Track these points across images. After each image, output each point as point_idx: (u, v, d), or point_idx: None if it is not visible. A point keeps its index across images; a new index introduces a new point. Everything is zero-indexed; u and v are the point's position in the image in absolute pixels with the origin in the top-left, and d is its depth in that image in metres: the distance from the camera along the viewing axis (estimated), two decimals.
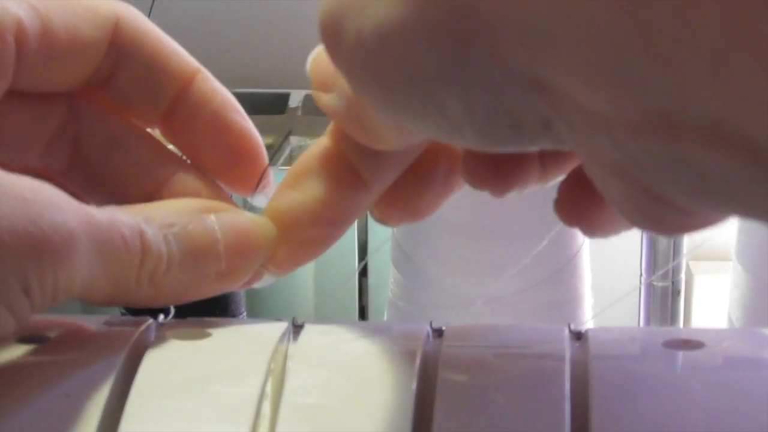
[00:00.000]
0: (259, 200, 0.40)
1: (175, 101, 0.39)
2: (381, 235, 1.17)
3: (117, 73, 0.39)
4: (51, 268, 0.32)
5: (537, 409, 0.32)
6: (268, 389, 0.33)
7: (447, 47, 0.25)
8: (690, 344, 0.34)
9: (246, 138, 0.40)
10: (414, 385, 0.33)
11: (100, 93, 0.39)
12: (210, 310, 0.62)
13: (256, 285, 0.39)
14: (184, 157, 0.40)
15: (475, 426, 0.31)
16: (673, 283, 1.04)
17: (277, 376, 0.34)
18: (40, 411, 0.32)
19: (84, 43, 0.37)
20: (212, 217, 0.37)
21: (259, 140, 0.40)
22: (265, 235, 0.37)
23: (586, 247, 0.86)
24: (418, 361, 0.34)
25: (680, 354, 0.34)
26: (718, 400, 0.32)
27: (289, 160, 1.09)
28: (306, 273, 1.10)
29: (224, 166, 0.40)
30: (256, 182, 0.40)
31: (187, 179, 0.39)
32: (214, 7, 1.35)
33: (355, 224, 1.06)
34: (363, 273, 1.12)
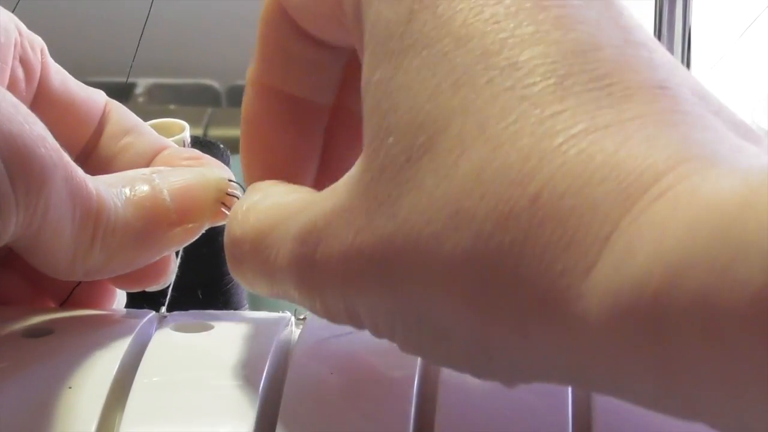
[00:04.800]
0: None
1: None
2: None
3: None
4: (38, 181, 0.32)
5: (539, 407, 0.32)
6: (271, 382, 0.33)
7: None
8: None
9: None
10: (416, 379, 0.33)
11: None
12: (212, 303, 0.62)
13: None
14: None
15: (477, 424, 0.31)
16: None
17: (280, 369, 0.34)
18: (43, 403, 0.32)
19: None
20: (153, 174, 0.37)
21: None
22: (215, 178, 0.37)
23: None
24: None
25: None
26: None
27: None
28: None
29: None
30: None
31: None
32: (214, 3, 1.35)
33: None
34: None
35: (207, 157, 0.40)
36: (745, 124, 0.27)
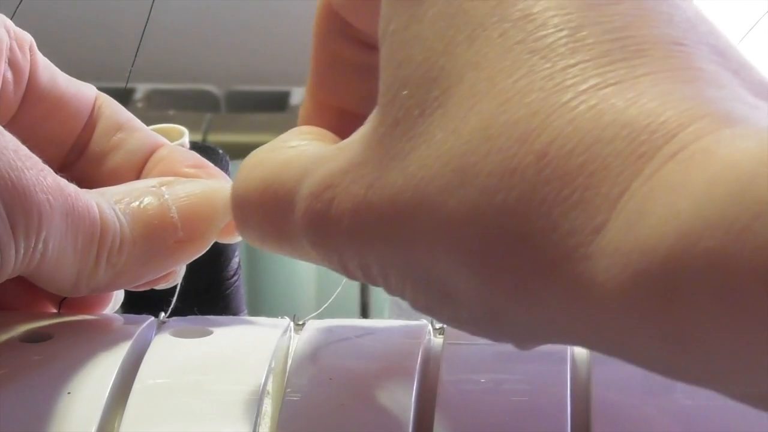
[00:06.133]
0: None
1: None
2: None
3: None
4: (36, 220, 0.32)
5: (538, 408, 0.32)
6: (270, 387, 0.33)
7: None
8: None
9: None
10: (415, 384, 0.33)
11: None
12: (211, 308, 0.62)
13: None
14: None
15: (475, 425, 0.31)
16: None
17: (279, 374, 0.34)
18: (42, 409, 0.32)
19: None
20: (162, 188, 0.37)
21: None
22: (223, 196, 0.37)
23: None
24: (419, 359, 0.34)
25: None
26: (719, 399, 0.32)
27: None
28: (308, 271, 1.10)
29: None
30: None
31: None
32: (214, 4, 1.35)
33: None
34: None
35: (211, 165, 0.40)
36: (766, 84, 0.26)
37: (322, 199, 0.29)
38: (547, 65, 0.25)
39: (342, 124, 0.34)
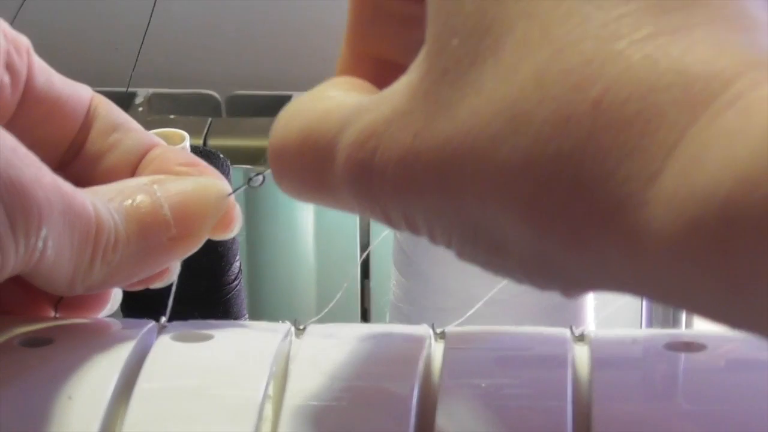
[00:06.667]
0: None
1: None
2: (383, 240, 1.17)
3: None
4: (36, 218, 0.32)
5: (539, 412, 0.32)
6: (270, 392, 0.33)
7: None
8: (692, 347, 0.34)
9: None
10: (416, 389, 0.32)
11: None
12: (212, 312, 0.62)
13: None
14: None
15: (477, 429, 0.31)
16: None
17: (279, 378, 0.34)
18: (43, 413, 0.32)
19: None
20: (153, 186, 0.37)
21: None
22: (215, 192, 0.37)
23: None
24: (420, 363, 0.34)
25: (682, 356, 0.34)
26: (720, 403, 0.32)
27: None
28: (308, 275, 1.10)
29: None
30: None
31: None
32: (215, 9, 1.35)
33: (357, 227, 1.06)
34: (365, 275, 1.12)
35: (203, 163, 0.40)
36: None
37: (365, 149, 0.29)
38: (601, 13, 0.25)
39: (381, 74, 0.34)
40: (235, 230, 0.39)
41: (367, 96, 0.31)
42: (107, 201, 0.35)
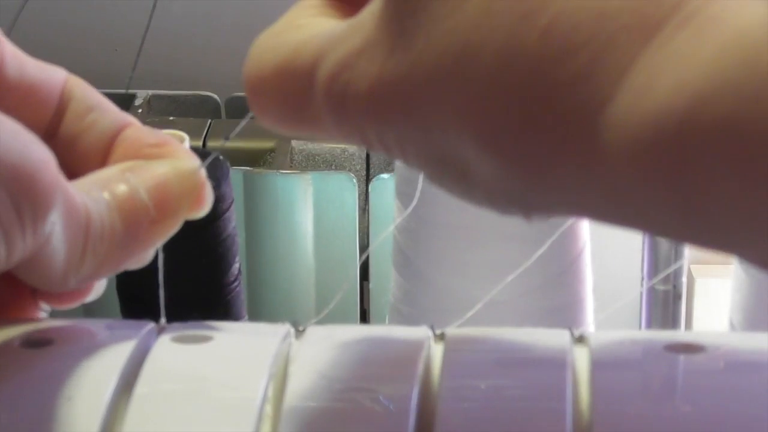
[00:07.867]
0: None
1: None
2: (383, 241, 1.17)
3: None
4: (43, 208, 0.32)
5: (539, 414, 0.32)
6: (270, 393, 0.33)
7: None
8: (691, 348, 0.34)
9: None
10: (415, 390, 0.32)
11: None
12: (212, 313, 0.62)
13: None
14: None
15: (476, 431, 0.31)
16: (674, 286, 1.04)
17: (279, 380, 0.34)
18: (42, 415, 0.32)
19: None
20: (126, 174, 0.37)
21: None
22: (187, 171, 0.38)
23: (588, 250, 0.86)
24: (419, 365, 0.34)
25: (681, 358, 0.34)
26: (719, 404, 0.32)
27: (291, 164, 1.09)
28: (308, 277, 1.10)
29: None
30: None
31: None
32: (215, 10, 1.35)
33: (356, 228, 1.06)
34: (364, 277, 1.12)
35: (173, 142, 0.40)
36: None
37: (339, 81, 0.29)
38: None
39: None
40: (207, 207, 0.39)
41: (338, 23, 0.31)
42: (88, 192, 0.36)
